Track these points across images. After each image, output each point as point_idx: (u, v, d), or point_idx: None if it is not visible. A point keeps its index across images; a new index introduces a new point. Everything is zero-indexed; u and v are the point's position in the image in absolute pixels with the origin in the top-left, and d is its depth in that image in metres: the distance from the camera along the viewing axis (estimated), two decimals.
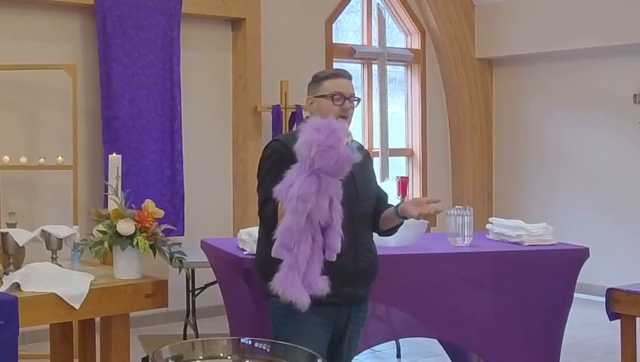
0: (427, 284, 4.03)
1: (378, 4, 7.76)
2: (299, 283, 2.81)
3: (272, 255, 2.82)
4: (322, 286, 2.85)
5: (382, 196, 3.29)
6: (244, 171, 6.73)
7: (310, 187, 2.77)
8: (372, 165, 3.37)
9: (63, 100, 5.82)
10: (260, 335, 2.75)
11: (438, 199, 3.16)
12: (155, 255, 3.47)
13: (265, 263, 3.06)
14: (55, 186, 5.90)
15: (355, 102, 3.19)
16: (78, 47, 6.08)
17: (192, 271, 5.63)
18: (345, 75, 3.23)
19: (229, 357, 2.24)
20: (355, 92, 3.25)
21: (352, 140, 2.84)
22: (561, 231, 5.19)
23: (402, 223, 3.27)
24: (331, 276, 2.88)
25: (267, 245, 2.96)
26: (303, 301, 2.82)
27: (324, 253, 2.86)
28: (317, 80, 3.22)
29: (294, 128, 3.32)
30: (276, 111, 6.70)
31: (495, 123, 8.36)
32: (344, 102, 3.14)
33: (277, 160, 3.04)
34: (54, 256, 3.61)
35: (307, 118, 3.25)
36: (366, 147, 7.62)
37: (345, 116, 3.13)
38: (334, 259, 2.88)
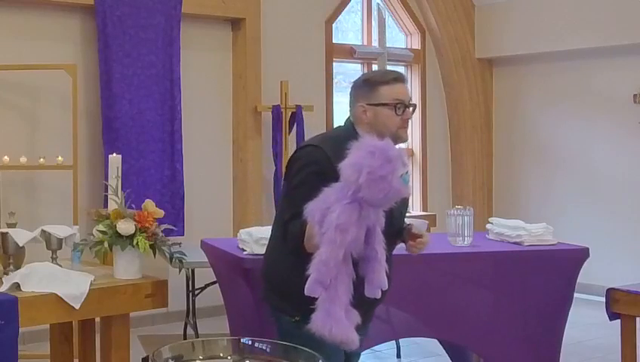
0: (427, 284, 4.03)
1: (378, 4, 7.76)
2: (344, 318, 2.52)
3: (306, 293, 2.52)
4: (353, 320, 2.59)
5: None
6: (244, 171, 6.73)
7: (351, 216, 2.47)
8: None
9: (63, 100, 5.82)
10: (260, 336, 2.74)
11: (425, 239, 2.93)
12: (155, 255, 3.47)
13: (278, 277, 2.88)
14: (55, 186, 5.90)
15: (412, 109, 2.90)
16: (78, 47, 6.08)
17: (192, 271, 5.64)
18: (403, 80, 2.91)
19: (229, 357, 2.23)
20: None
21: (407, 172, 2.54)
22: (561, 231, 5.19)
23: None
24: (357, 304, 2.64)
25: (284, 259, 2.80)
26: (354, 338, 2.55)
27: (353, 286, 2.59)
28: (372, 85, 2.86)
29: (337, 128, 2.97)
30: (276, 111, 6.70)
31: (495, 123, 8.36)
32: (404, 112, 2.84)
33: (315, 173, 2.71)
34: (54, 256, 3.61)
35: (347, 120, 2.93)
36: None
37: (405, 127, 2.88)
38: (379, 296, 2.62)
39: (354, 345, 2.56)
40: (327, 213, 2.51)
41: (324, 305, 2.52)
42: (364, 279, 2.62)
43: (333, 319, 2.51)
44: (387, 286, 2.63)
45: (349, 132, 2.82)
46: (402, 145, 2.80)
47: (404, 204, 2.96)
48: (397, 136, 2.84)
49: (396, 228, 2.94)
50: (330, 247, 2.49)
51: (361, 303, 2.67)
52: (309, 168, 2.76)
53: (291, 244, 2.78)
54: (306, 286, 2.53)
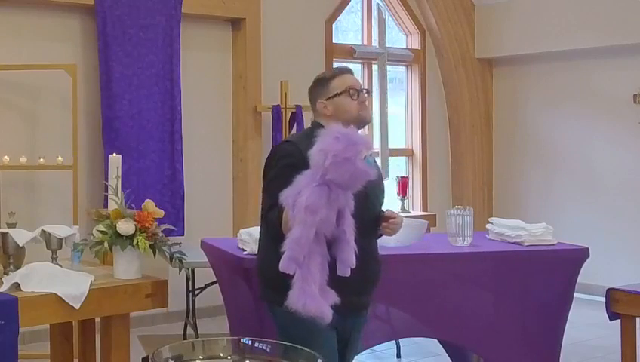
0: (427, 284, 4.03)
1: (378, 4, 7.76)
2: (317, 294, 2.69)
3: (280, 269, 2.70)
4: (329, 298, 2.76)
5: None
6: (244, 171, 6.73)
7: (320, 198, 2.66)
8: (380, 173, 3.22)
9: (63, 100, 5.82)
10: (260, 335, 2.75)
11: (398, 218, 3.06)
12: (155, 255, 3.47)
13: (270, 271, 2.95)
14: (55, 186, 5.90)
15: (366, 93, 3.14)
16: (78, 47, 6.08)
17: (192, 271, 5.63)
18: (350, 71, 3.18)
19: (229, 357, 2.23)
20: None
21: (371, 155, 2.73)
22: (561, 231, 5.19)
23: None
24: (339, 286, 2.80)
25: (272, 252, 2.88)
26: (326, 313, 2.71)
27: (328, 266, 2.76)
28: (323, 82, 3.13)
29: (306, 128, 3.20)
30: (276, 111, 6.70)
31: (495, 123, 8.36)
32: (359, 95, 3.08)
33: (288, 164, 2.90)
34: (54, 256, 3.61)
35: (313, 121, 3.15)
36: None
37: (364, 108, 3.08)
38: (348, 274, 2.78)
39: (327, 319, 2.71)
40: (299, 196, 2.69)
41: (299, 283, 2.69)
42: (336, 259, 2.79)
43: (307, 295, 2.68)
44: (355, 265, 2.78)
45: (318, 128, 2.98)
46: (364, 131, 3.06)
47: (379, 188, 3.12)
48: (360, 118, 3.08)
49: (374, 214, 3.08)
50: (302, 227, 2.66)
51: (345, 285, 2.82)
52: (283, 161, 2.96)
53: (272, 233, 2.94)
54: (280, 262, 2.70)
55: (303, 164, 2.78)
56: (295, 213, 2.68)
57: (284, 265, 2.69)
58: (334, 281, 2.78)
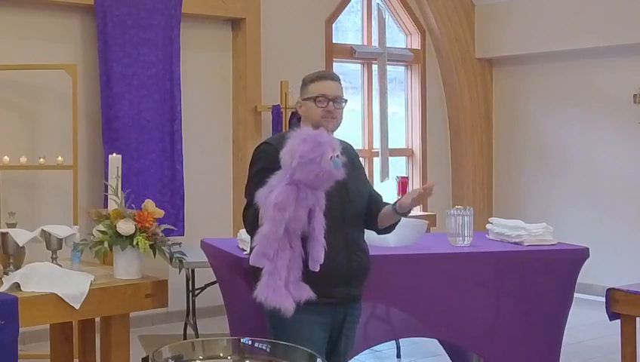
0: (427, 284, 4.02)
1: (378, 4, 7.76)
2: (281, 288, 2.83)
3: (251, 263, 2.85)
4: (301, 293, 2.87)
5: (374, 195, 3.31)
6: (244, 171, 6.66)
7: (288, 196, 2.79)
8: (360, 163, 3.38)
9: (63, 100, 5.82)
10: (260, 335, 2.75)
11: (430, 184, 3.20)
12: (155, 255, 3.47)
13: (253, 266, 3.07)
14: (55, 186, 5.90)
15: (344, 104, 3.19)
16: (78, 47, 6.09)
17: (192, 271, 5.63)
18: (331, 77, 3.23)
19: (229, 357, 2.23)
20: (343, 94, 3.21)
21: (338, 156, 2.82)
22: (561, 231, 5.19)
23: (400, 220, 3.31)
24: (326, 277, 2.91)
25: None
26: (287, 306, 2.83)
27: (303, 261, 2.87)
28: (304, 83, 3.23)
29: (288, 130, 3.31)
30: (276, 111, 6.70)
31: (495, 123, 8.37)
32: (327, 105, 3.13)
33: (265, 165, 3.04)
34: (54, 256, 3.61)
35: (296, 119, 3.27)
36: (366, 147, 7.68)
37: (333, 117, 3.13)
38: (317, 270, 2.89)
39: (288, 312, 2.84)
40: (270, 195, 2.84)
41: (265, 277, 2.84)
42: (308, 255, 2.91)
43: (270, 288, 2.83)
44: (322, 261, 2.89)
45: (295, 129, 3.09)
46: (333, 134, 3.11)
47: (359, 181, 3.23)
48: (321, 126, 3.12)
49: (358, 206, 3.18)
50: (271, 223, 2.80)
51: (333, 276, 3.00)
52: (260, 162, 3.11)
53: (249, 230, 3.08)
54: (251, 257, 2.86)
55: (279, 165, 2.88)
56: (265, 211, 2.83)
57: (254, 259, 2.84)
58: (323, 272, 2.90)
